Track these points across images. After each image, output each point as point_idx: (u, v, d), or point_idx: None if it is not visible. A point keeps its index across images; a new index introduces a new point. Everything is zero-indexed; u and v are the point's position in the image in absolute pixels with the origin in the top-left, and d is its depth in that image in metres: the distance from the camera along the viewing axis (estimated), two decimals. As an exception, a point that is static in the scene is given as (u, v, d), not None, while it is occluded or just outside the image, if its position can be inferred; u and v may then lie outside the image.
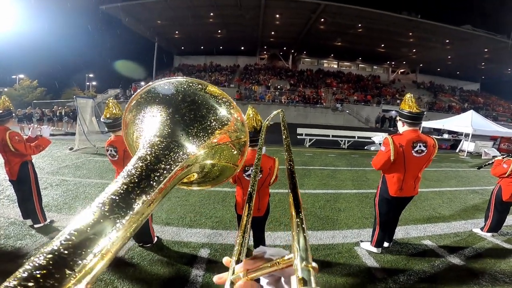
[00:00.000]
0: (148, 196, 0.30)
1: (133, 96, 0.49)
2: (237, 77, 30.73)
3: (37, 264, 0.21)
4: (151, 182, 0.32)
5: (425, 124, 13.79)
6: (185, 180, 0.47)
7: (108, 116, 2.67)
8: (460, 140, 12.83)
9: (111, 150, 2.70)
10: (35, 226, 3.28)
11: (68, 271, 0.21)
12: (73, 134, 10.33)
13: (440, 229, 3.82)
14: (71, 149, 8.62)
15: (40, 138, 3.34)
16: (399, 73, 37.76)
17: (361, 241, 3.26)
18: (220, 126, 0.48)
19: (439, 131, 14.54)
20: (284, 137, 0.68)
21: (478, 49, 26.34)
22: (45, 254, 0.21)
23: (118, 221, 0.26)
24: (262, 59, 36.35)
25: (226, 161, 0.52)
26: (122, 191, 0.29)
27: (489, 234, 3.62)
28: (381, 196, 2.88)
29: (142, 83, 29.33)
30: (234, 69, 33.58)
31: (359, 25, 25.28)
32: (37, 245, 2.90)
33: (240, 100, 24.91)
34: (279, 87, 28.01)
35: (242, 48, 34.22)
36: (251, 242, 2.93)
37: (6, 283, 0.19)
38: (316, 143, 11.66)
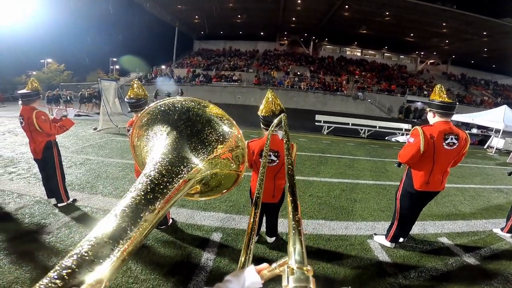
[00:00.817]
0: (153, 206, 0.36)
1: (144, 111, 0.56)
2: (256, 62, 30.34)
3: (63, 265, 0.26)
4: (156, 194, 0.38)
5: (453, 117, 13.06)
6: (192, 192, 0.54)
7: (132, 96, 2.72)
8: (490, 136, 12.10)
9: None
10: (59, 205, 3.39)
11: (89, 270, 0.26)
12: (98, 114, 10.73)
13: (458, 227, 3.67)
14: (95, 129, 8.97)
15: (64, 119, 3.45)
16: (428, 63, 35.79)
17: (375, 234, 3.19)
18: (221, 142, 0.53)
19: (467, 125, 13.75)
20: (285, 140, 0.71)
21: (517, 42, 24.31)
22: (71, 257, 0.27)
23: (128, 228, 0.32)
24: (282, 44, 35.63)
25: (227, 170, 0.57)
26: (131, 203, 0.35)
27: (509, 235, 3.45)
28: (404, 190, 2.76)
29: (163, 66, 29.71)
30: (253, 54, 33.18)
31: (387, 13, 23.93)
32: (59, 224, 3.00)
33: (259, 85, 24.73)
34: (298, 73, 27.42)
35: (262, 33, 33.62)
36: (263, 229, 2.96)
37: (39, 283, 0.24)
38: (335, 131, 11.42)
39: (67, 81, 28.08)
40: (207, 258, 2.57)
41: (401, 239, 3.05)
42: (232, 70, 27.48)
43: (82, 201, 3.61)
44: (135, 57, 35.26)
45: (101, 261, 0.27)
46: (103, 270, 0.27)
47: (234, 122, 0.56)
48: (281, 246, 2.84)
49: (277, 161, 2.38)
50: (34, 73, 28.62)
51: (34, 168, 4.60)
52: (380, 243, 3.02)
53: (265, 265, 0.41)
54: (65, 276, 0.24)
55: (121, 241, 0.30)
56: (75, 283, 0.24)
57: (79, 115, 12.11)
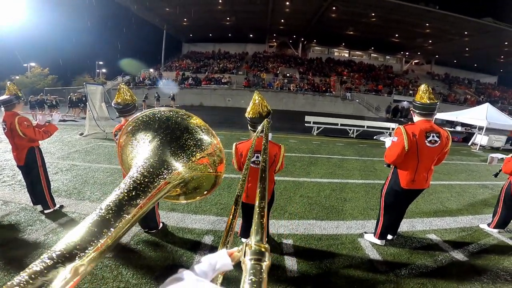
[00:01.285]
0: (135, 201, 0.41)
1: (128, 122, 0.60)
2: (246, 64, 30.39)
3: (50, 253, 0.29)
4: (138, 192, 0.42)
5: (438, 115, 13.42)
6: (174, 193, 0.58)
7: (119, 101, 2.66)
8: (473, 133, 12.47)
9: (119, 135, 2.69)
10: (45, 211, 3.31)
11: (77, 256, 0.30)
12: (84, 119, 10.50)
13: (446, 223, 3.75)
14: (81, 134, 8.77)
15: (48, 124, 3.37)
16: (413, 63, 36.70)
17: (365, 232, 3.24)
18: (199, 147, 0.58)
19: (452, 123, 14.15)
20: (263, 142, 0.84)
21: (498, 42, 25.27)
22: (57, 247, 0.30)
23: (112, 219, 0.36)
24: (271, 46, 35.81)
25: (207, 172, 0.61)
26: (115, 200, 0.39)
27: (496, 230, 3.55)
28: (390, 188, 2.82)
29: (151, 70, 29.39)
30: (242, 56, 33.24)
31: (373, 14, 24.43)
32: (46, 230, 2.93)
33: (249, 87, 24.76)
34: (288, 75, 27.62)
35: (251, 35, 33.70)
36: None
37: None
38: (324, 132, 11.54)
39: (51, 85, 27.31)
40: (199, 261, 2.54)
41: (390, 236, 3.11)
42: (222, 73, 27.42)
43: (69, 207, 3.54)
44: (123, 60, 34.72)
45: (87, 246, 0.31)
46: (89, 254, 0.31)
47: (213, 131, 0.61)
48: (272, 247, 2.84)
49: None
50: (17, 77, 27.76)
51: (18, 175, 4.47)
52: (370, 241, 3.06)
53: (235, 249, 0.45)
54: (55, 258, 0.28)
55: (105, 229, 0.34)
56: (58, 266, 0.28)
57: (64, 120, 11.82)
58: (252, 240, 0.35)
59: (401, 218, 3.06)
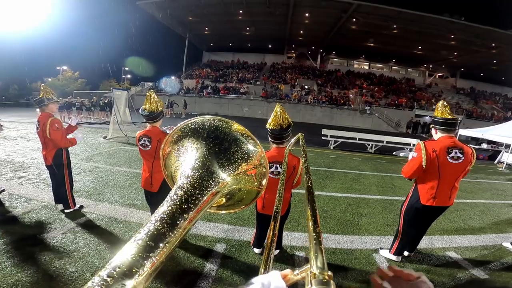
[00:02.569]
0: (187, 215, 0.40)
1: (170, 132, 0.60)
2: (264, 75, 30.73)
3: (110, 268, 0.28)
4: (190, 204, 0.42)
5: (462, 132, 12.89)
6: (215, 204, 0.58)
7: (147, 109, 2.69)
8: (500, 151, 11.85)
9: (144, 140, 2.70)
10: (66, 211, 3.45)
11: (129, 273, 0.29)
12: (108, 123, 10.96)
13: (467, 241, 3.59)
14: (105, 137, 9.16)
15: (71, 138, 3.50)
16: (437, 76, 35.58)
17: (381, 248, 3.14)
18: (245, 160, 0.58)
19: (477, 140, 13.53)
20: (303, 160, 0.79)
21: (527, 53, 24.14)
22: (115, 262, 0.29)
23: (167, 233, 0.35)
24: (289, 57, 36.06)
25: (250, 185, 0.61)
26: (168, 212, 0.39)
27: None
28: (410, 205, 2.74)
29: (173, 77, 30.38)
30: (261, 66, 33.64)
31: (394, 26, 24.18)
32: (64, 229, 3.04)
33: (266, 98, 24.91)
34: (306, 86, 27.59)
35: (270, 46, 34.19)
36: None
37: None
38: (341, 146, 11.36)
39: (80, 88, 28.84)
40: (210, 268, 2.57)
41: (406, 253, 3.00)
42: (240, 83, 27.84)
43: (88, 207, 3.67)
44: (146, 65, 36.14)
45: (143, 261, 0.31)
46: (145, 270, 0.30)
47: (258, 141, 0.60)
48: (285, 259, 2.82)
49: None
50: (50, 79, 29.54)
51: (43, 174, 4.71)
52: (385, 257, 2.97)
53: (288, 271, 0.43)
54: (115, 275, 0.27)
55: (160, 244, 0.34)
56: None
57: (90, 123, 12.36)
58: (314, 266, 0.33)
59: (421, 236, 2.95)
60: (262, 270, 0.46)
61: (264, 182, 0.62)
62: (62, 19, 29.03)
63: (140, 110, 2.80)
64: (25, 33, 27.84)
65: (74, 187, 3.71)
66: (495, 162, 11.65)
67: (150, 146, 2.72)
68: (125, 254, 0.30)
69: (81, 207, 3.63)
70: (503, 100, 31.32)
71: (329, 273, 0.32)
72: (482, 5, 25.47)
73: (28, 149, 6.58)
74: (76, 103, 16.15)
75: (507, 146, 10.95)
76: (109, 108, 14.20)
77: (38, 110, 3.36)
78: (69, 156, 3.58)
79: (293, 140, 1.42)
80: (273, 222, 0.59)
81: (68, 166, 3.53)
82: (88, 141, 8.43)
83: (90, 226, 3.19)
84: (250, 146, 0.59)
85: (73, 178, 3.78)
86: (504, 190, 6.73)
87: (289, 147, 1.40)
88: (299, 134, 1.31)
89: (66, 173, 3.49)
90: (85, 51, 37.13)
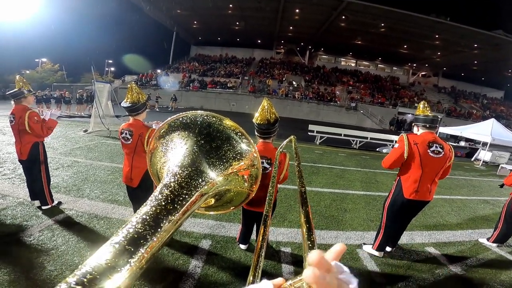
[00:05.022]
0: (173, 217, 0.36)
1: (158, 127, 0.56)
2: (252, 69, 30.59)
3: (83, 271, 0.25)
4: (175, 205, 0.38)
5: (442, 130, 13.37)
6: (203, 205, 0.53)
7: (129, 101, 2.63)
8: (477, 149, 12.37)
9: (126, 133, 2.64)
10: (43, 207, 3.30)
11: (108, 277, 0.25)
12: (89, 116, 10.61)
13: (445, 237, 3.73)
14: (85, 131, 8.85)
15: (48, 120, 3.34)
16: (420, 75, 36.66)
17: (364, 243, 3.22)
18: (237, 159, 0.54)
19: (456, 138, 14.05)
20: (296, 163, 0.76)
21: (508, 55, 25.15)
22: (87, 267, 0.25)
23: (148, 236, 0.32)
24: (278, 53, 36.06)
25: (241, 187, 0.58)
26: (152, 213, 0.35)
27: (495, 244, 3.55)
28: (393, 200, 2.81)
29: (159, 70, 29.70)
30: (249, 61, 33.48)
31: (382, 24, 24.60)
32: (41, 227, 2.91)
33: (253, 93, 24.87)
34: (293, 82, 27.71)
35: (259, 41, 34.02)
36: (254, 237, 2.93)
37: None
38: (327, 141, 11.51)
39: (60, 81, 27.71)
40: (195, 265, 2.54)
41: (388, 249, 3.08)
42: (228, 77, 27.61)
43: (67, 204, 3.53)
44: (131, 58, 35.11)
45: (120, 268, 0.27)
46: (122, 277, 0.26)
47: (251, 140, 0.57)
48: (271, 255, 2.82)
49: (270, 168, 2.39)
50: (28, 72, 28.20)
51: (19, 169, 4.49)
52: (369, 253, 3.04)
53: (280, 279, 0.39)
54: (85, 282, 0.24)
55: (141, 248, 0.30)
56: None
57: (70, 116, 11.93)
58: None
59: (402, 231, 3.03)
60: (251, 278, 0.42)
61: (255, 184, 0.59)
62: (43, 10, 27.56)
63: (122, 103, 2.72)
64: (1, 24, 26.34)
65: (51, 182, 3.56)
66: (472, 159, 12.17)
67: (131, 140, 2.64)
68: (99, 258, 0.27)
69: (59, 203, 3.49)
70: (482, 99, 32.68)
71: None
72: (467, 5, 26.29)
73: (4, 143, 6.26)
74: (56, 96, 15.50)
75: (484, 144, 11.46)
76: (90, 101, 13.74)
77: (12, 102, 3.17)
78: (45, 150, 3.42)
79: (285, 142, 1.40)
80: (263, 227, 0.56)
81: (45, 160, 3.37)
82: (68, 134, 8.12)
83: (69, 223, 3.07)
84: (243, 146, 0.56)
85: (51, 173, 3.63)
86: (480, 186, 7.04)
87: (280, 149, 1.39)
88: (292, 136, 1.29)
89: (42, 168, 3.33)
90: (67, 43, 35.46)
